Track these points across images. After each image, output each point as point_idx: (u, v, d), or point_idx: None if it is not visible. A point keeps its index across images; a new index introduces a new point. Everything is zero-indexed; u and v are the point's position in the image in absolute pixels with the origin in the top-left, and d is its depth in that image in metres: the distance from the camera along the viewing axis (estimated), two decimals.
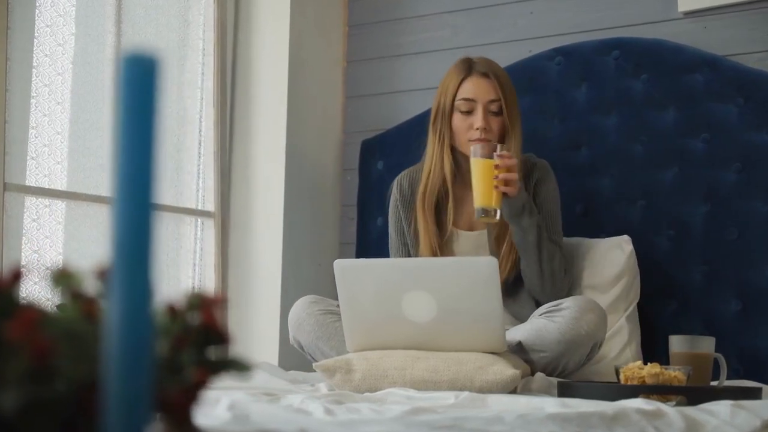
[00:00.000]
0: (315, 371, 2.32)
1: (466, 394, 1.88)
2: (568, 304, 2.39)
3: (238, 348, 3.22)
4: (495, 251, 2.63)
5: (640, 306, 2.80)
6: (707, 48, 2.87)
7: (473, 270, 2.19)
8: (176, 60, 3.19)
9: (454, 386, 2.12)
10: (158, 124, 0.54)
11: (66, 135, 2.77)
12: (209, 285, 3.19)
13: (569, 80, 3.05)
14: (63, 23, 2.79)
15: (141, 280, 0.55)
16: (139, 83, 0.54)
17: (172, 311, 0.68)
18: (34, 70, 2.69)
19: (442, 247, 2.66)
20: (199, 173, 3.23)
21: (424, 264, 2.34)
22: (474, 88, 2.62)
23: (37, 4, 2.71)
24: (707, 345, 2.22)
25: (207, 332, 0.68)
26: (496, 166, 2.43)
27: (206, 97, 3.25)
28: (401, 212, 2.76)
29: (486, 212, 2.44)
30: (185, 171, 3.19)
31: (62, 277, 0.64)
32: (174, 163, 3.15)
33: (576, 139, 3.02)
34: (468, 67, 2.64)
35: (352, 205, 3.42)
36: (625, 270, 2.77)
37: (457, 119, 2.63)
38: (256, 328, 3.23)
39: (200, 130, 3.24)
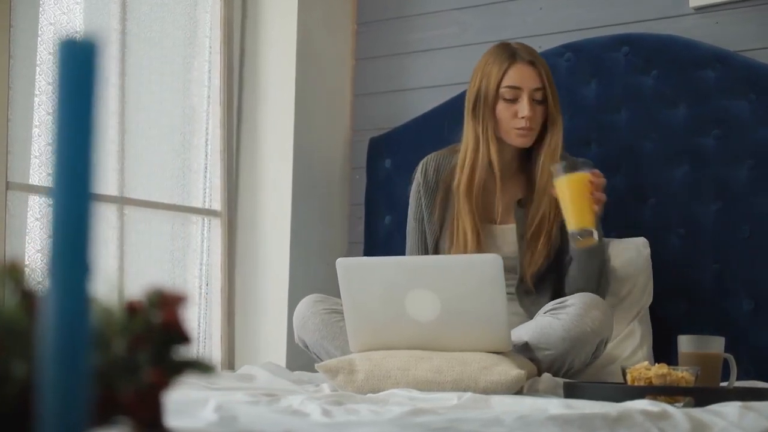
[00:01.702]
0: None
1: (469, 395, 1.85)
2: (573, 301, 2.35)
3: (245, 348, 3.20)
4: (527, 245, 2.56)
5: (651, 305, 2.76)
6: (718, 44, 2.83)
7: (477, 268, 2.16)
8: (183, 58, 3.16)
9: (458, 387, 2.08)
10: (97, 112, 0.52)
11: None
12: (216, 284, 3.17)
13: (579, 77, 3.01)
14: (67, 21, 2.78)
15: (78, 274, 0.52)
16: (77, 69, 0.51)
17: (132, 309, 0.65)
18: (37, 68, 2.67)
19: (481, 240, 2.55)
20: (205, 172, 3.21)
21: (428, 262, 2.31)
22: (519, 75, 2.55)
23: (41, 2, 2.69)
24: (716, 345, 2.18)
25: (168, 331, 0.66)
26: (591, 182, 2.34)
27: (213, 95, 3.22)
28: (423, 198, 2.66)
29: (585, 234, 2.29)
30: (192, 170, 3.17)
31: (11, 273, 0.61)
32: (180, 161, 3.13)
33: (586, 136, 2.98)
34: (512, 54, 2.56)
35: (360, 203, 3.39)
36: (640, 272, 2.72)
37: (501, 107, 2.55)
38: (264, 327, 3.20)
39: (207, 129, 3.22)
